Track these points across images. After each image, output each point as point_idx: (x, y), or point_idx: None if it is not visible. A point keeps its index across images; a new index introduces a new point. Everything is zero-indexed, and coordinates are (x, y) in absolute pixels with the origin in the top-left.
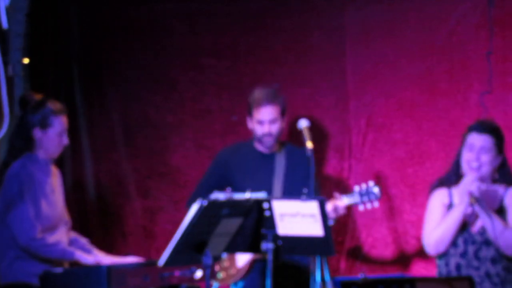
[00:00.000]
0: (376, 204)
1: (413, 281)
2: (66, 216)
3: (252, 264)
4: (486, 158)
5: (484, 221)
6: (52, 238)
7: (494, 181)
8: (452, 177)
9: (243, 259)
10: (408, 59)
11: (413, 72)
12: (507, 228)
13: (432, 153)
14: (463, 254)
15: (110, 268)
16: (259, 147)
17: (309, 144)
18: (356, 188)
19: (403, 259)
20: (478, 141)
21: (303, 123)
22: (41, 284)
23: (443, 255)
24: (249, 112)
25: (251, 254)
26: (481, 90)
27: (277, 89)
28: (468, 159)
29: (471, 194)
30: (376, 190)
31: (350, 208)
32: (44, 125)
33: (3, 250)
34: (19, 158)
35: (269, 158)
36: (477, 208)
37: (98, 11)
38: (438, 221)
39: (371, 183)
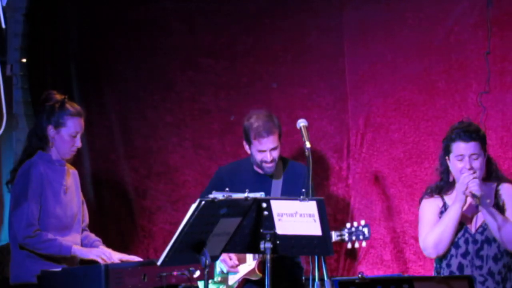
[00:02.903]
0: (364, 244)
1: (411, 281)
2: (83, 216)
3: (242, 283)
4: (477, 163)
5: (486, 218)
6: (64, 238)
7: (486, 178)
8: (445, 186)
9: (234, 278)
10: (406, 59)
11: (411, 72)
12: (509, 223)
13: (430, 153)
14: (465, 254)
15: (108, 268)
16: (258, 168)
17: (307, 144)
18: (347, 225)
19: (401, 259)
20: (466, 150)
21: (302, 123)
22: (40, 283)
23: (444, 257)
24: (247, 139)
25: (243, 274)
26: (479, 90)
27: (271, 114)
28: (460, 168)
29: (473, 195)
30: (366, 230)
31: (348, 208)
32: (58, 124)
33: (14, 249)
34: (32, 157)
35: (266, 180)
36: (481, 206)
37: (96, 11)
38: (434, 223)
39: (362, 223)
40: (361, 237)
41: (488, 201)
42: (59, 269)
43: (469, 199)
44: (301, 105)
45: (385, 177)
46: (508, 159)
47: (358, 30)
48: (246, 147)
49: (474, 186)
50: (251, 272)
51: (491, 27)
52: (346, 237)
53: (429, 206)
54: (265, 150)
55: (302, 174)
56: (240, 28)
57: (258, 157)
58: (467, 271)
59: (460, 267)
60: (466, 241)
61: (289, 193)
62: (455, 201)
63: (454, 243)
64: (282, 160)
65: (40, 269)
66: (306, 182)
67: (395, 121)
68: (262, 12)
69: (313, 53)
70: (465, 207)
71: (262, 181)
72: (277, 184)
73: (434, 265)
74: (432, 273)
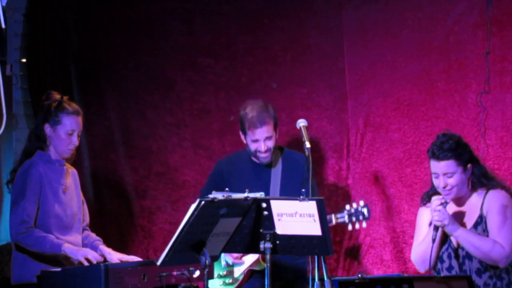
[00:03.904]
0: (364, 224)
1: (411, 281)
2: (84, 216)
3: (248, 275)
4: (453, 180)
5: (459, 242)
6: (65, 237)
7: (472, 188)
8: (434, 194)
9: (240, 269)
10: (405, 59)
11: (410, 71)
12: (489, 244)
13: None
14: (450, 268)
15: (108, 268)
16: (256, 158)
17: (307, 144)
18: (347, 207)
19: (401, 259)
20: (439, 169)
21: (301, 123)
22: (39, 283)
23: (435, 270)
24: (242, 129)
25: (248, 265)
26: (479, 89)
27: (267, 104)
28: (436, 185)
29: (435, 226)
30: (365, 210)
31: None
32: (54, 122)
33: (15, 252)
34: (32, 157)
35: (265, 169)
36: (455, 235)
37: (95, 11)
38: (424, 235)
39: (361, 203)
40: (361, 217)
41: (452, 226)
42: (59, 269)
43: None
44: (300, 105)
45: (385, 177)
46: (508, 159)
47: (358, 30)
48: (242, 137)
49: (435, 216)
50: (256, 262)
51: (491, 27)
52: (346, 219)
53: (422, 216)
54: (258, 140)
55: (301, 162)
56: (240, 28)
57: (253, 147)
58: None
59: None
60: (449, 256)
61: (289, 181)
62: (430, 233)
63: (439, 258)
64: (279, 149)
65: (39, 269)
66: (306, 182)
67: (394, 121)
68: (261, 12)
69: (312, 53)
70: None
71: (261, 171)
72: (276, 173)
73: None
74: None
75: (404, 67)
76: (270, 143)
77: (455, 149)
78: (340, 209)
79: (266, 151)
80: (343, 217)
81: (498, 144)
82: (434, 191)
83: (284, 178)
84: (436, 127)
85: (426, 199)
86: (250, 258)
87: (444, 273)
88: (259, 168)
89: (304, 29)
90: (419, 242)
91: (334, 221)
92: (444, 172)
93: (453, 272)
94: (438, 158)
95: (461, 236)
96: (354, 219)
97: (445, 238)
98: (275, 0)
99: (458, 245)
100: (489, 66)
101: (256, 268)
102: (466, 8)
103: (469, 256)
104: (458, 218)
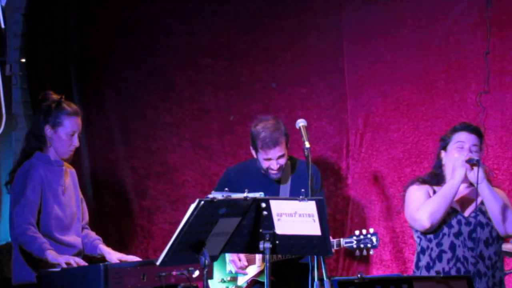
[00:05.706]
0: (372, 252)
1: (410, 281)
2: (83, 214)
3: (251, 284)
4: (475, 156)
5: (483, 193)
6: (65, 237)
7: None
8: (433, 178)
9: (243, 278)
10: (405, 59)
11: (410, 71)
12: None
13: (430, 153)
14: (458, 234)
15: (108, 268)
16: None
17: (307, 144)
18: (356, 232)
19: (400, 259)
20: (468, 140)
21: (301, 123)
22: (39, 283)
23: (435, 236)
24: (253, 145)
25: (252, 275)
26: (478, 90)
27: (278, 121)
28: (458, 155)
29: (470, 161)
30: (374, 238)
31: (347, 208)
32: (55, 124)
33: (16, 249)
34: (31, 158)
35: (274, 185)
36: (478, 176)
37: (95, 11)
38: (425, 199)
39: (371, 231)
40: (369, 245)
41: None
42: (59, 269)
43: (463, 186)
44: (300, 105)
45: (384, 177)
46: (508, 159)
47: (357, 30)
48: (253, 152)
49: (469, 155)
50: (260, 273)
51: (490, 27)
52: (354, 244)
53: (419, 191)
54: (271, 159)
55: (312, 174)
56: (239, 28)
57: (265, 164)
58: (459, 251)
59: (452, 246)
60: (459, 222)
61: (298, 191)
62: (453, 177)
63: (446, 223)
64: (290, 160)
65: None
66: (307, 183)
67: (394, 121)
68: (261, 11)
69: (312, 53)
70: (457, 196)
71: (270, 186)
72: (284, 190)
73: (414, 259)
74: (431, 273)
75: (404, 67)
76: (283, 161)
77: (481, 131)
78: (349, 234)
79: (278, 169)
80: (352, 242)
81: (497, 144)
82: (435, 175)
83: (294, 189)
84: (435, 127)
85: (425, 181)
86: (254, 269)
87: (449, 238)
88: (268, 182)
89: (304, 29)
90: (422, 201)
91: (342, 245)
92: (473, 144)
93: (460, 239)
94: (470, 131)
95: (486, 187)
96: (362, 246)
97: (453, 210)
98: (275, 0)
99: (469, 215)
100: (489, 66)
101: (260, 279)
102: (466, 8)
103: (481, 225)
104: (466, 196)
